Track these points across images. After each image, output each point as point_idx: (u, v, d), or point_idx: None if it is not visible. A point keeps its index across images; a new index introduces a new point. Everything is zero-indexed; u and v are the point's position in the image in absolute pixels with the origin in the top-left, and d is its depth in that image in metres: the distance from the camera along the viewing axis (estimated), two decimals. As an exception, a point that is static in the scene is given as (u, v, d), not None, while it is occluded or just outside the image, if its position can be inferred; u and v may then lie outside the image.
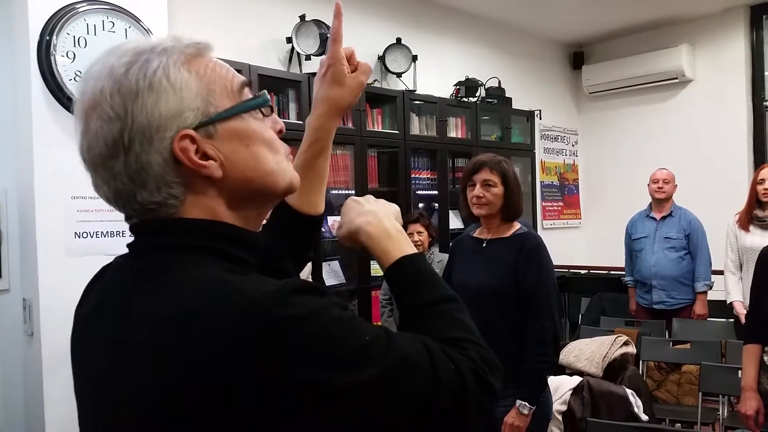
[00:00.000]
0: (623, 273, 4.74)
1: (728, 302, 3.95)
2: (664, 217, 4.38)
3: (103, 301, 0.75)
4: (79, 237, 2.63)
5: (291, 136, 1.03)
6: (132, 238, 0.77)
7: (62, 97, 2.60)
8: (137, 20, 2.80)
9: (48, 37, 2.56)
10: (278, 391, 0.61)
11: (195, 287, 0.66)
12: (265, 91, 0.79)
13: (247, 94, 0.76)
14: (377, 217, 0.88)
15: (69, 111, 2.62)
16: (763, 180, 3.73)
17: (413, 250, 0.87)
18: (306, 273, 3.06)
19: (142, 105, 0.67)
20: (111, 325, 0.70)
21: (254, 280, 0.67)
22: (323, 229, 4.04)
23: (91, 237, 2.66)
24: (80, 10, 2.64)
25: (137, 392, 0.65)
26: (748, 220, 3.82)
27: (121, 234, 2.71)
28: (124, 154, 0.68)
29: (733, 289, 3.89)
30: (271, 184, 0.76)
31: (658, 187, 4.36)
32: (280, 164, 0.77)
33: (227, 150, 0.71)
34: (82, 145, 0.72)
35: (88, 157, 0.72)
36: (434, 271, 0.87)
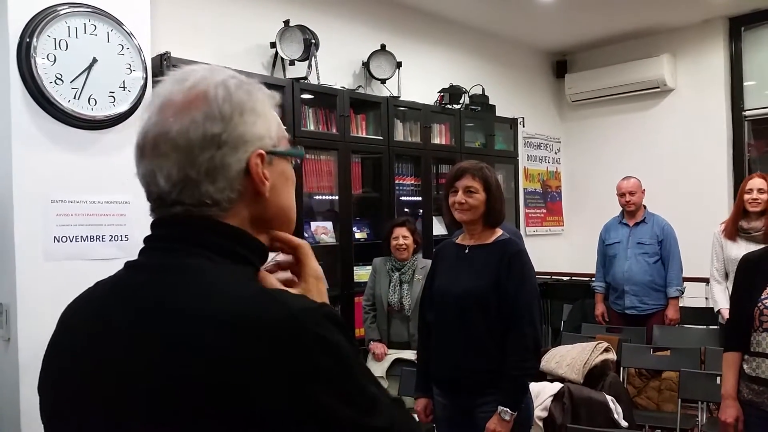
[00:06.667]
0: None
1: (716, 310, 3.97)
2: (637, 224, 4.42)
3: (124, 297, 0.80)
4: (58, 241, 2.60)
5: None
6: (152, 232, 0.84)
7: (42, 100, 2.57)
8: (119, 23, 2.78)
9: (28, 39, 2.52)
10: (299, 401, 0.69)
11: (239, 293, 0.75)
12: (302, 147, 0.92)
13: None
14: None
15: (49, 114, 2.60)
16: (751, 190, 3.74)
17: None
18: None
19: (244, 120, 0.82)
20: (139, 321, 0.76)
21: (288, 294, 0.79)
22: (306, 234, 4.03)
23: (71, 241, 2.62)
24: (61, 12, 2.61)
25: (171, 385, 0.71)
26: (734, 230, 3.83)
27: (100, 238, 2.67)
28: (216, 149, 0.80)
29: (720, 297, 3.90)
30: (290, 219, 0.92)
31: (626, 201, 4.40)
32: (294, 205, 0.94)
33: (274, 179, 0.86)
34: (171, 126, 0.80)
35: (178, 138, 0.79)
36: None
